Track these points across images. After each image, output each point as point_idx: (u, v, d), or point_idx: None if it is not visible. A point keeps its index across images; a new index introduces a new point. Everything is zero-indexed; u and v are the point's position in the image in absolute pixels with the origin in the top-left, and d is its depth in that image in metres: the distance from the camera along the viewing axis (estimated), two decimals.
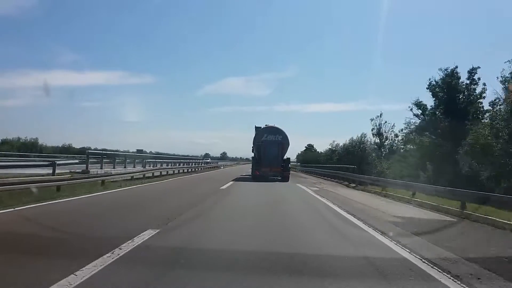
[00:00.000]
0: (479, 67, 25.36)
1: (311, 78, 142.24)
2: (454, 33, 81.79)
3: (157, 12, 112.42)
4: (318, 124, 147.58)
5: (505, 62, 19.40)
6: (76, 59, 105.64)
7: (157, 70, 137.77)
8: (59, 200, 9.41)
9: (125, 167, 21.17)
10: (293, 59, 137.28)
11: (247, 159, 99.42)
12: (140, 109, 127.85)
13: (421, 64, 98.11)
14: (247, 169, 33.64)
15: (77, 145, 70.48)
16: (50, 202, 8.93)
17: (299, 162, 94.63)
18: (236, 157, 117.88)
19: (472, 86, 25.35)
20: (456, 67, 25.89)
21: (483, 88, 24.95)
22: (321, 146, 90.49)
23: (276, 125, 25.13)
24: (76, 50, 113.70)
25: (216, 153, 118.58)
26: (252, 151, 25.87)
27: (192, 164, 35.32)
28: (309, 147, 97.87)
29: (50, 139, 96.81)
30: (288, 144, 24.83)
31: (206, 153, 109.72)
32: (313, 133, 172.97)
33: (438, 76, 26.38)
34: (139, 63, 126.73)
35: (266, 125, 25.40)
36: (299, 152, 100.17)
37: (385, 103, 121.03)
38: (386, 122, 36.45)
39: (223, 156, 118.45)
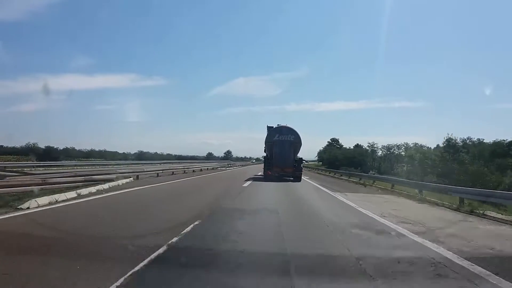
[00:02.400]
0: None
1: (321, 77, 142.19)
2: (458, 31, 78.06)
3: (167, 15, 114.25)
4: (330, 123, 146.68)
5: None
6: (88, 63, 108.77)
7: (168, 72, 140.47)
8: None
9: None
10: (304, 59, 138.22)
11: (257, 159, 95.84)
12: (152, 111, 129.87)
13: (431, 62, 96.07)
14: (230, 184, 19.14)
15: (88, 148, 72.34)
16: None
17: (320, 161, 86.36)
18: (245, 157, 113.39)
19: None
20: None
21: None
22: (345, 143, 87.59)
23: (288, 125, 24.89)
24: (88, 54, 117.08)
25: (221, 153, 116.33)
26: (264, 151, 25.81)
27: None
28: (333, 142, 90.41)
29: (62, 142, 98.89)
30: (300, 144, 24.51)
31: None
32: (324, 131, 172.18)
33: None
34: (151, 66, 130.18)
35: (278, 124, 25.20)
36: (321, 149, 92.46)
37: (396, 101, 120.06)
38: None
39: (227, 156, 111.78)
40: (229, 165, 57.63)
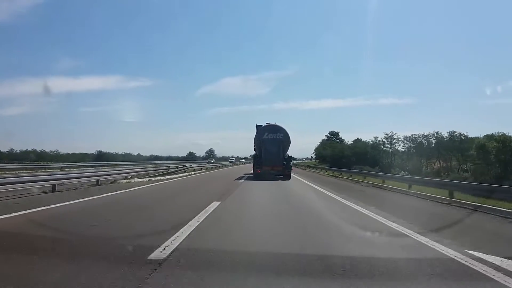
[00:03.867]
0: None
1: (309, 76, 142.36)
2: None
3: (154, 16, 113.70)
4: (320, 121, 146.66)
5: None
6: (74, 65, 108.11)
7: (155, 73, 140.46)
8: None
9: None
10: (291, 58, 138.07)
11: (245, 158, 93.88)
12: (141, 113, 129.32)
13: (413, 59, 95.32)
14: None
15: (77, 150, 69.68)
16: None
17: (317, 159, 76.99)
18: (233, 155, 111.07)
19: None
20: None
21: None
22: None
23: (277, 123, 25.02)
24: (74, 56, 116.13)
25: (201, 152, 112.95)
26: (254, 150, 25.94)
27: None
28: (332, 136, 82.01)
29: (53, 146, 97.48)
30: (289, 142, 24.66)
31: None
32: (316, 129, 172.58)
33: None
34: (137, 66, 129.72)
35: (267, 123, 25.30)
36: (318, 144, 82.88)
37: (384, 98, 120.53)
38: None
39: (209, 155, 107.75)
40: (179, 169, 30.95)
